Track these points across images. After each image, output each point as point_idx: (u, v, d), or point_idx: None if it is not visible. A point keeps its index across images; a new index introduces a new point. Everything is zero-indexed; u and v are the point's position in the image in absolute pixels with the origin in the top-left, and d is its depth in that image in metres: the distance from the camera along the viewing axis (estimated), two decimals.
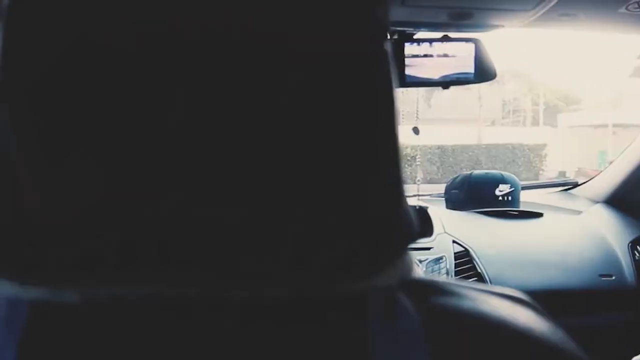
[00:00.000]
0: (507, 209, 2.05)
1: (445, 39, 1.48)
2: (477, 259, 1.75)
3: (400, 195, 0.35)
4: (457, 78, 1.48)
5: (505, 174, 2.13)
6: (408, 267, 0.37)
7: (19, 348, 0.32)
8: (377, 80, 0.34)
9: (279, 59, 0.31)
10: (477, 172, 2.15)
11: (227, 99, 0.30)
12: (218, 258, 0.31)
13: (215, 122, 0.30)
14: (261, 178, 0.31)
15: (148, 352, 0.32)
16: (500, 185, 2.08)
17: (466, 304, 0.38)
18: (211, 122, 0.30)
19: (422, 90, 1.55)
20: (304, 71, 0.32)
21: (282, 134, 0.31)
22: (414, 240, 0.36)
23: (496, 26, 1.47)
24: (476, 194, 2.08)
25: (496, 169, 2.17)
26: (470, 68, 1.48)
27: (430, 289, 0.39)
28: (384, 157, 0.34)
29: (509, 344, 0.36)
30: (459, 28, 1.45)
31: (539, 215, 2.04)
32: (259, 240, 0.31)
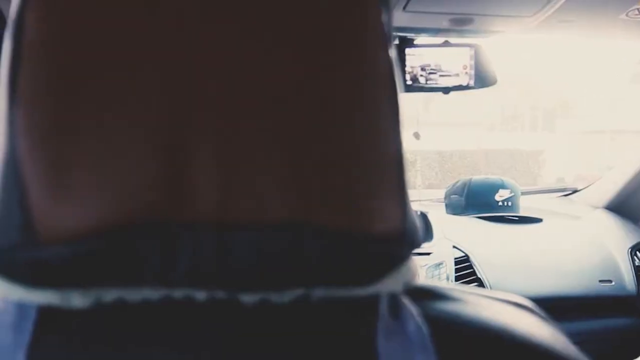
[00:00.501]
0: (507, 214, 2.05)
1: (446, 44, 1.49)
2: (477, 264, 1.75)
3: (405, 201, 0.35)
4: (458, 83, 1.48)
5: (505, 179, 2.13)
6: (412, 273, 0.37)
7: (28, 352, 0.32)
8: (383, 85, 0.35)
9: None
10: (477, 177, 2.15)
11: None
12: (227, 263, 0.31)
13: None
14: (271, 182, 0.31)
15: (156, 356, 0.32)
16: (500, 191, 2.08)
17: (469, 309, 0.38)
18: None
19: (421, 94, 1.55)
20: (311, 75, 0.32)
21: (289, 138, 0.32)
22: (418, 245, 0.36)
23: (497, 32, 1.47)
24: (476, 199, 2.09)
25: (495, 175, 2.17)
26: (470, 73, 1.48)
27: (433, 295, 0.39)
28: (389, 163, 0.35)
29: (512, 351, 0.36)
30: (459, 33, 1.45)
31: (539, 220, 2.04)
32: (268, 245, 0.31)
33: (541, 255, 1.85)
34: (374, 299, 0.35)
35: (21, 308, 0.34)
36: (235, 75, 0.31)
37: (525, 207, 2.15)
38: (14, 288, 0.33)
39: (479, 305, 0.39)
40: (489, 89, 1.51)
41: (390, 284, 0.35)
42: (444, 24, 1.37)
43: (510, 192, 2.08)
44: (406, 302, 0.37)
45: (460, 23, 1.36)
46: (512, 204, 2.07)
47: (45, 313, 0.33)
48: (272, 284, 0.32)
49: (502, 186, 2.09)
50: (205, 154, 0.31)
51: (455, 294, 0.39)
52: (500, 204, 2.07)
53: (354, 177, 0.33)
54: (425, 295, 0.38)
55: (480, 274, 1.73)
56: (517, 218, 2.05)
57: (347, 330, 0.34)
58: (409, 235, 0.35)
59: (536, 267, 1.79)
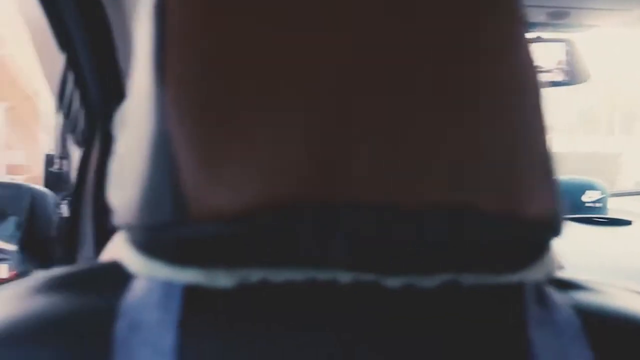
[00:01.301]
0: (594, 216, 1.99)
1: (538, 39, 1.46)
2: (565, 266, 1.71)
3: (556, 188, 0.35)
4: (552, 79, 1.45)
5: (593, 180, 2.08)
6: (555, 263, 0.36)
7: (178, 330, 0.32)
8: (531, 73, 0.34)
9: None
10: (563, 177, 2.10)
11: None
12: (382, 246, 0.31)
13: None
14: (430, 165, 0.31)
15: (301, 337, 0.32)
16: (588, 192, 2.02)
17: (617, 302, 0.37)
18: None
19: None
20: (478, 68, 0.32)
21: (453, 125, 0.32)
22: (561, 233, 0.35)
23: (592, 26, 1.44)
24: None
25: None
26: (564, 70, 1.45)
27: (575, 286, 0.38)
28: (541, 151, 0.34)
29: None
30: (554, 27, 1.42)
31: (628, 222, 1.98)
32: (427, 229, 0.31)
33: (631, 257, 1.79)
34: (520, 287, 0.35)
35: (166, 287, 0.33)
36: (396, 63, 0.31)
37: (612, 208, 2.09)
38: (161, 267, 0.33)
39: (623, 298, 0.38)
40: (565, 90, 1.48)
41: (535, 272, 0.34)
42: (541, 17, 1.34)
43: (601, 194, 2.02)
44: (551, 291, 0.36)
45: (557, 17, 1.34)
46: (601, 205, 2.01)
47: (190, 292, 0.33)
48: (423, 268, 0.32)
49: (591, 187, 2.03)
50: (362, 136, 0.31)
51: (597, 286, 0.39)
52: (588, 205, 2.01)
53: (512, 162, 0.32)
54: (568, 286, 0.38)
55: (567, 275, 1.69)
56: (605, 220, 1.99)
57: (495, 318, 0.34)
58: (557, 222, 0.34)
59: (625, 270, 1.74)
